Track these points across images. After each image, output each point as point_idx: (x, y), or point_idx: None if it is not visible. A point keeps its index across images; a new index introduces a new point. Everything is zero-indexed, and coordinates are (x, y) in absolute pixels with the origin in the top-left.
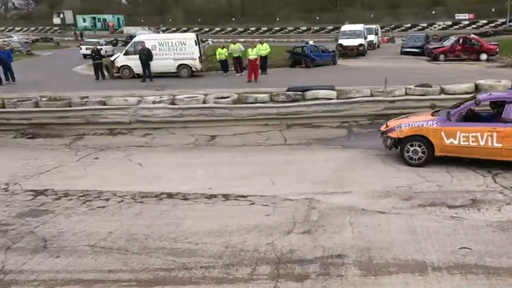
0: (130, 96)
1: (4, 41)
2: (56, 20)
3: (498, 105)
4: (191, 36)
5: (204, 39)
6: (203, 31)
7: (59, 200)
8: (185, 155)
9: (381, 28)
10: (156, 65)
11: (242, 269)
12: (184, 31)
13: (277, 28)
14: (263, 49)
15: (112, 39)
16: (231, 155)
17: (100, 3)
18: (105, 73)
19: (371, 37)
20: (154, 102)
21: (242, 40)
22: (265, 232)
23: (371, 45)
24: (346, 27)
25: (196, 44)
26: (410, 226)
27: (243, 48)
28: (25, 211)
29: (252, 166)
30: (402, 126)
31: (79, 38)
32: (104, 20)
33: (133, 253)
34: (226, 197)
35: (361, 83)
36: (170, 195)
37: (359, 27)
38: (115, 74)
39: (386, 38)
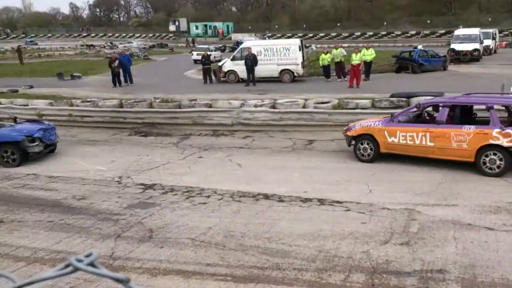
0: (234, 100)
1: (125, 46)
2: (172, 28)
3: (438, 109)
4: (295, 42)
5: (307, 45)
6: (307, 36)
7: (165, 195)
8: (283, 158)
9: (499, 32)
10: (260, 70)
11: (335, 275)
12: (289, 37)
13: (384, 33)
14: (368, 54)
15: (220, 45)
16: (328, 160)
17: (212, 11)
18: (213, 77)
19: (487, 42)
20: (255, 106)
21: (346, 45)
22: (361, 240)
23: (487, 50)
24: (460, 31)
25: (299, 50)
26: None
27: (345, 53)
28: (135, 203)
29: (349, 172)
30: (356, 125)
31: (190, 45)
32: (215, 27)
33: (230, 249)
34: (321, 201)
35: (473, 90)
36: (266, 196)
37: (474, 31)
38: (222, 79)
39: (504, 43)
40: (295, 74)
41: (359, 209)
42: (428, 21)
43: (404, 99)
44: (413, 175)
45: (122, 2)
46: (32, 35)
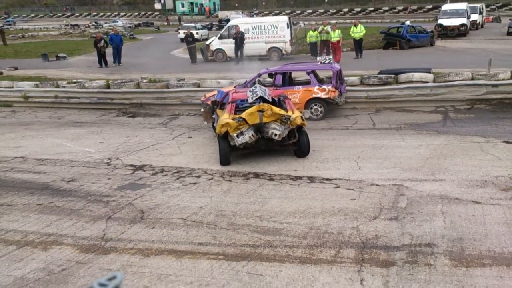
0: (223, 79)
1: (110, 25)
2: (157, 6)
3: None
4: (283, 19)
5: (295, 22)
6: (294, 13)
7: (155, 175)
8: None
9: (486, 6)
10: (248, 48)
11: (326, 251)
12: (276, 14)
13: (371, 9)
14: (357, 31)
15: (207, 23)
16: (317, 137)
17: None
18: (200, 56)
19: (474, 17)
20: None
21: (334, 21)
22: (350, 216)
23: (474, 25)
24: (447, 6)
25: (287, 27)
26: (508, 218)
27: (330, 30)
28: (125, 184)
29: (339, 149)
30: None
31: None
32: (201, 5)
33: (221, 228)
34: (311, 179)
35: (460, 66)
36: (257, 175)
37: (462, 5)
38: (209, 57)
39: (491, 17)
40: (283, 52)
41: (348, 186)
42: None
43: (393, 75)
44: (401, 151)
45: None
46: (15, 15)
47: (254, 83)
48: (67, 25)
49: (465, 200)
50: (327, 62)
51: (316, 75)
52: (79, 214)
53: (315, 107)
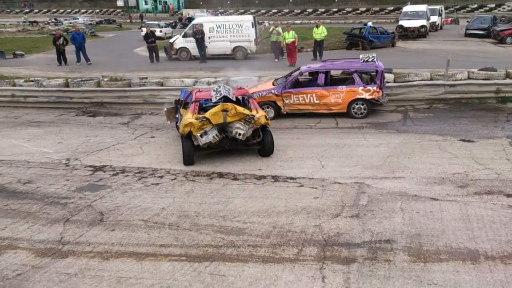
0: (187, 78)
1: (70, 22)
2: (120, 3)
3: (313, 74)
4: (248, 19)
5: (260, 21)
6: (259, 13)
7: (116, 176)
8: None
9: (445, 8)
10: (213, 47)
11: (289, 250)
12: (242, 14)
13: (335, 10)
14: (318, 33)
15: (171, 21)
16: (281, 137)
17: None
18: (163, 54)
19: (434, 18)
20: (209, 84)
21: (299, 21)
22: (313, 214)
23: (434, 27)
24: (408, 8)
25: (252, 27)
26: (464, 214)
27: (281, 31)
28: (84, 186)
29: (302, 148)
30: (254, 95)
31: (133, 21)
32: (165, 2)
33: (184, 229)
34: (275, 178)
35: (420, 66)
36: (220, 175)
37: (421, 7)
38: (173, 56)
39: (450, 19)
40: (248, 51)
41: (311, 185)
42: None
43: None
44: (363, 150)
45: None
46: None
47: (294, 81)
48: (25, 22)
49: (423, 197)
50: (370, 60)
51: (359, 75)
52: (36, 217)
53: (358, 106)
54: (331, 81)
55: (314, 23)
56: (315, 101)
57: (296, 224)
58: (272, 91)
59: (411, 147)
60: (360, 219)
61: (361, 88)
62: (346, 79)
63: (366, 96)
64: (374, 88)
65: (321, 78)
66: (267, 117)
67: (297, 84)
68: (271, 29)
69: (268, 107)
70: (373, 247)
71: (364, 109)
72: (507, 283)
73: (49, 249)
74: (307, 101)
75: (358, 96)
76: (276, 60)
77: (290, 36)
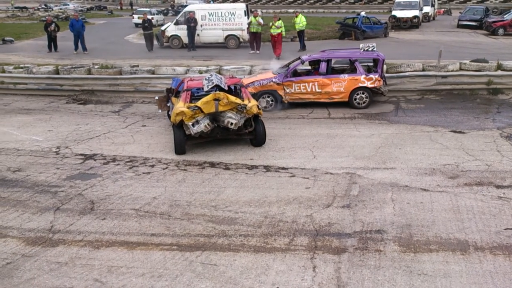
0: (178, 66)
1: (61, 8)
2: None
3: (315, 63)
4: (240, 7)
5: (253, 10)
6: (252, 1)
7: (107, 165)
8: None
9: None
10: (205, 35)
11: (280, 239)
12: (234, 1)
13: None
14: (297, 23)
15: (163, 8)
16: (273, 126)
17: None
18: (155, 42)
19: (427, 9)
20: (200, 72)
21: (292, 10)
22: (304, 204)
23: (426, 17)
24: None
25: (245, 15)
26: (454, 205)
27: (262, 22)
28: (74, 174)
29: (295, 138)
30: (255, 83)
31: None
32: None
33: (175, 218)
34: (267, 168)
35: (413, 57)
36: (212, 164)
37: None
38: (165, 43)
39: (442, 10)
40: (241, 39)
41: (303, 175)
42: None
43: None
44: (355, 140)
45: None
46: None
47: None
48: (10, 8)
49: (414, 188)
50: (370, 49)
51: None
52: (26, 205)
53: (360, 95)
54: (333, 71)
55: (308, 12)
56: (317, 90)
57: (287, 214)
58: (273, 80)
59: (403, 138)
60: (351, 209)
61: (364, 76)
62: (344, 70)
63: (368, 84)
64: (376, 76)
65: (323, 67)
66: (259, 107)
67: (298, 73)
68: (249, 20)
69: (269, 96)
70: (363, 237)
71: (366, 98)
72: (496, 274)
73: (39, 237)
74: (309, 89)
75: (361, 85)
76: (252, 51)
77: (275, 27)
